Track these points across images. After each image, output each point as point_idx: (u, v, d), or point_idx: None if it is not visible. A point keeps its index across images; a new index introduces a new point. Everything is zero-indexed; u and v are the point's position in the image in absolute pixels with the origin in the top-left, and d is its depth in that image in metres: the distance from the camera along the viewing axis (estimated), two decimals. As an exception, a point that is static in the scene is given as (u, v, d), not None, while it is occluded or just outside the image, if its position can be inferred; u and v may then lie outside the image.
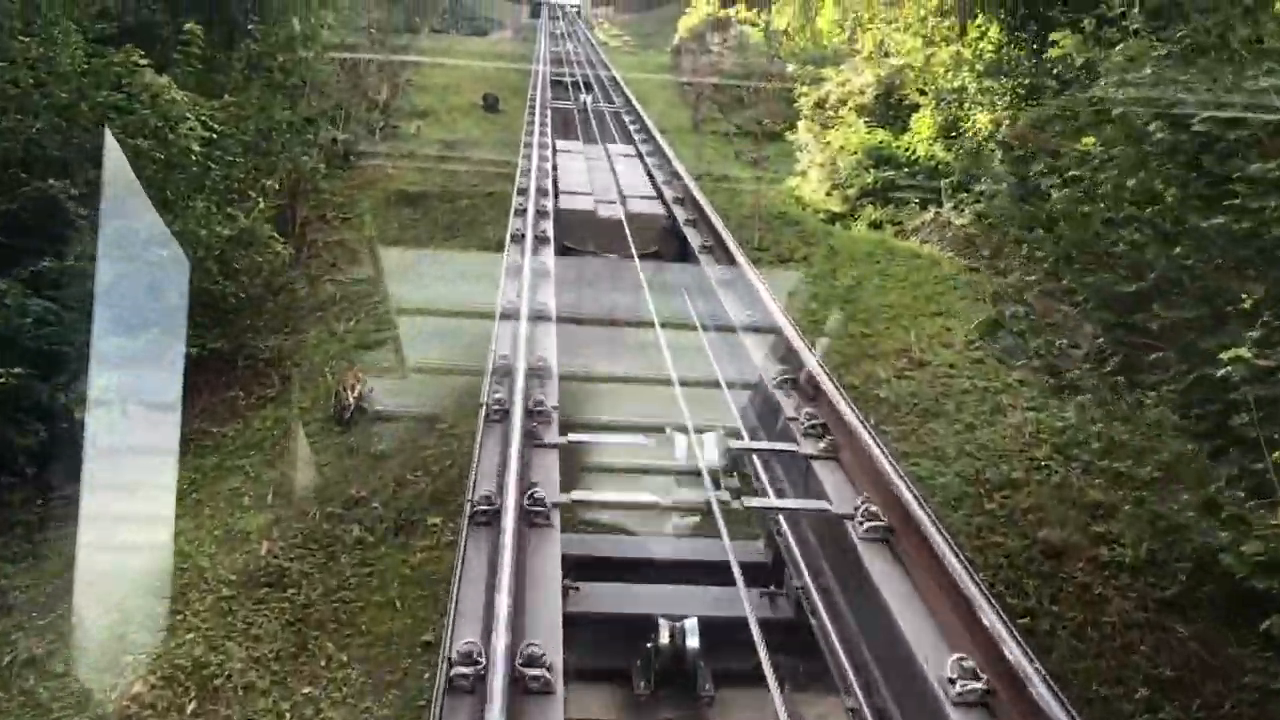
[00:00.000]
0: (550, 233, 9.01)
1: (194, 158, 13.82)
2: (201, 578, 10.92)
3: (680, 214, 11.21)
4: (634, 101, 25.47)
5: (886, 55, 22.22)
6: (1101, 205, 7.16)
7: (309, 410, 13.82)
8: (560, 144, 16.59)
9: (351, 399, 13.20)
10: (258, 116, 16.57)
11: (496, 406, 4.40)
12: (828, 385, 4.56)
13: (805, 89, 27.24)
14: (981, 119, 19.36)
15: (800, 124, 26.06)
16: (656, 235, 8.37)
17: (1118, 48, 7.59)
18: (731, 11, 36.12)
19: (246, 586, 10.79)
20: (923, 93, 20.61)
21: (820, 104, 25.53)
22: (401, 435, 12.97)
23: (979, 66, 18.11)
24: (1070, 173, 8.99)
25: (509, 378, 4.74)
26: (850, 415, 4.22)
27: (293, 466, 12.77)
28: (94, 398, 12.31)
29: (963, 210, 17.50)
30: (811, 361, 4.83)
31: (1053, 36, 8.20)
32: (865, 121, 23.53)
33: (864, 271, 16.30)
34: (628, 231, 7.52)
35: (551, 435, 4.33)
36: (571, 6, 54.36)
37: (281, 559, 11.20)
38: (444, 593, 10.56)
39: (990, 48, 17.97)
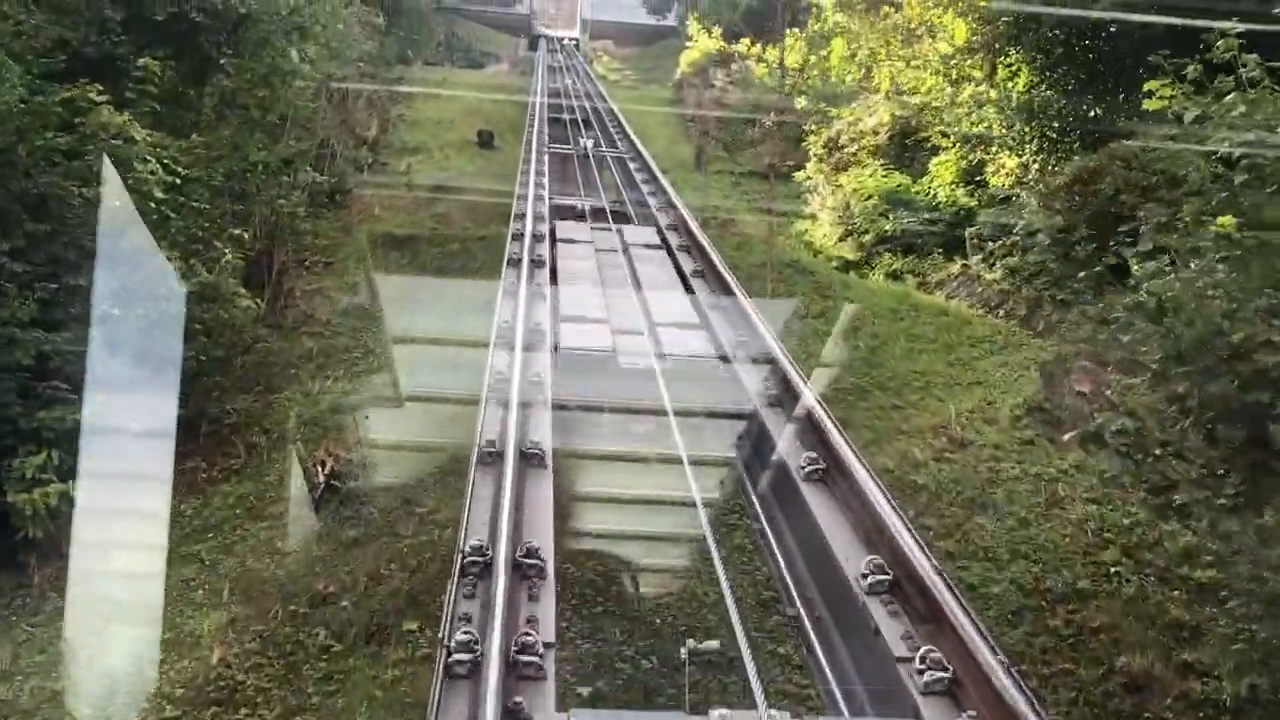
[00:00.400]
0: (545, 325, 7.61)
1: (153, 205, 12.45)
2: (142, 692, 9.47)
3: (705, 295, 9.97)
4: (635, 140, 24.20)
5: (901, 94, 20.97)
6: (1219, 294, 5.82)
7: (275, 487, 12.39)
8: (559, 222, 14.41)
9: (322, 477, 11.79)
10: (231, 157, 15.27)
11: (462, 654, 2.91)
12: (950, 601, 3.09)
13: (814, 128, 26.06)
14: (1009, 163, 18.13)
15: (809, 164, 24.84)
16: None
17: (1229, 98, 6.29)
18: (738, 46, 34.98)
19: (193, 706, 9.33)
20: (945, 135, 19.34)
21: (831, 144, 24.32)
22: (377, 520, 11.55)
23: (1009, 108, 16.84)
24: (1155, 242, 7.65)
25: (485, 583, 3.25)
26: (1000, 670, 2.78)
27: (254, 555, 11.33)
28: (30, 477, 10.92)
29: (993, 264, 16.17)
30: (917, 553, 3.38)
31: (1149, 86, 6.90)
32: (880, 163, 22.29)
33: (888, 330, 14.95)
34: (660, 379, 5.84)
35: (544, 713, 2.83)
36: (570, 40, 53.35)
37: (235, 669, 9.73)
38: (419, 721, 9.13)
39: (1021, 88, 16.70)
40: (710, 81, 33.55)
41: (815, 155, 24.63)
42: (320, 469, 11.79)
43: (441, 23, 43.00)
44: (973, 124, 17.89)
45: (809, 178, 24.33)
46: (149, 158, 12.66)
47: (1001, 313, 15.19)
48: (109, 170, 11.80)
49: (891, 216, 19.95)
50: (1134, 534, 9.65)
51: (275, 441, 13.69)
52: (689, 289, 10.90)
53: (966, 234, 18.17)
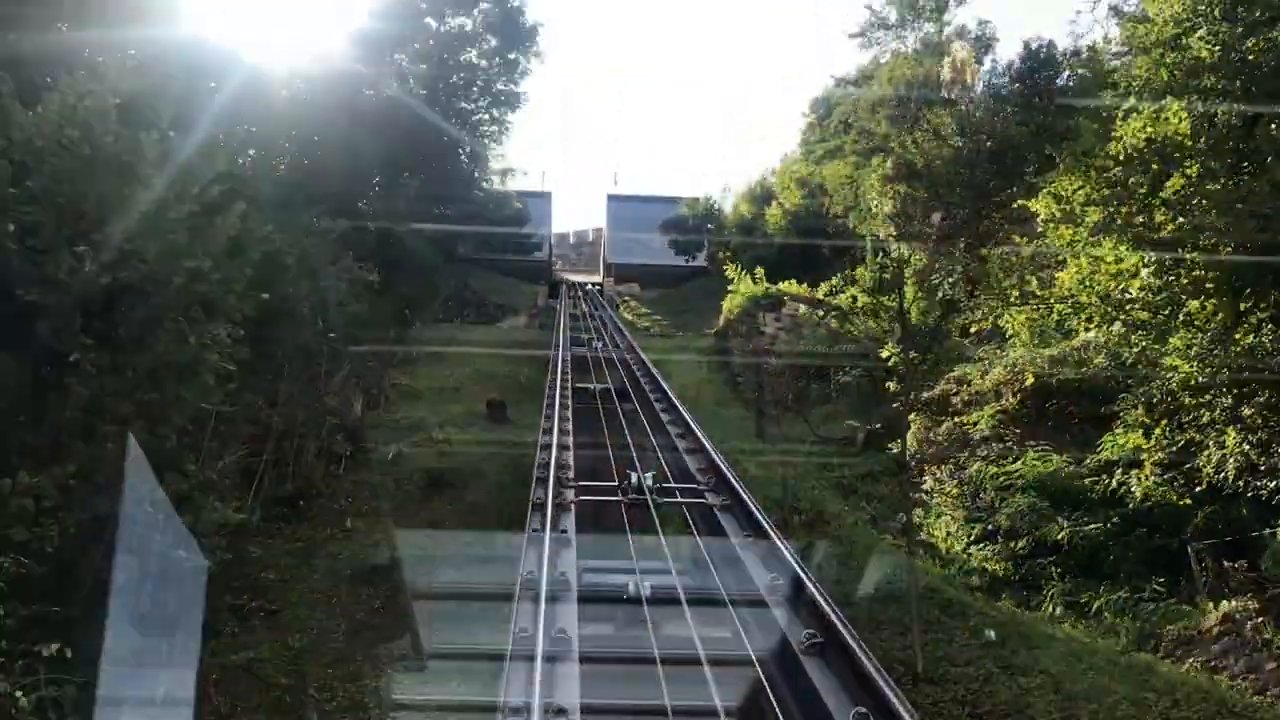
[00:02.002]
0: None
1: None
2: None
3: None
4: (679, 406, 19.09)
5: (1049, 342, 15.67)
6: None
7: None
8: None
9: None
10: (98, 498, 9.95)
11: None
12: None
13: (898, 385, 20.89)
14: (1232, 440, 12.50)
15: (909, 433, 19.36)
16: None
17: None
18: (787, 287, 30.37)
19: None
20: (1136, 404, 13.84)
21: (938, 405, 18.95)
22: None
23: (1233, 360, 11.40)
24: None
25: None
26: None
27: None
28: None
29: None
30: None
31: None
32: (1013, 432, 16.81)
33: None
34: None
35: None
36: (593, 285, 49.61)
37: None
38: None
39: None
40: (760, 328, 28.73)
41: (914, 421, 19.17)
42: None
43: (452, 275, 38.96)
44: (1184, 383, 12.35)
45: (913, 453, 18.77)
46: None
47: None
48: None
49: (1057, 519, 14.21)
50: None
51: None
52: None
53: (1190, 549, 12.39)
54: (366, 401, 23.02)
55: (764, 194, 45.57)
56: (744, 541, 10.46)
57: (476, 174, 45.32)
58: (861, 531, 16.75)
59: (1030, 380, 16.07)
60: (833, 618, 7.62)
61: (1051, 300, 15.46)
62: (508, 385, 25.92)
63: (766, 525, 10.42)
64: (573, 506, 12.19)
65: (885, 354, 22.39)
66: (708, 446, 15.48)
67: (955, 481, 16.86)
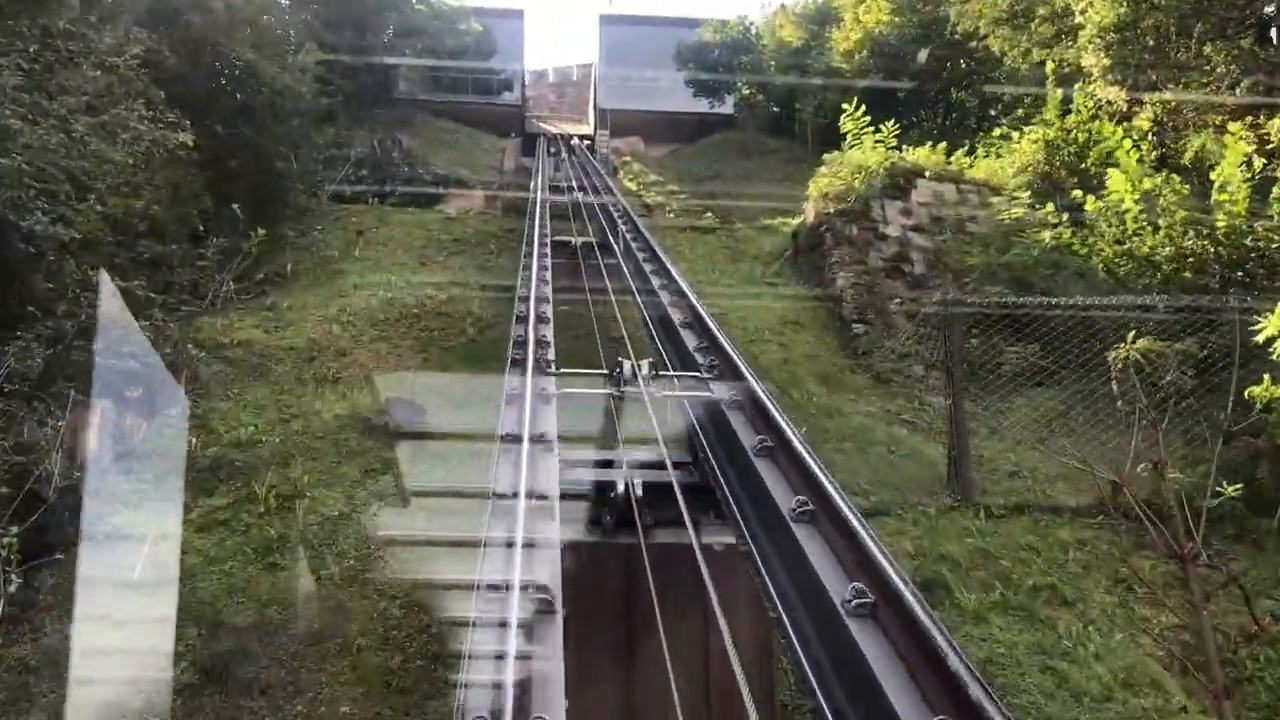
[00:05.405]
0: None
1: None
2: None
3: None
4: (768, 404, 7.23)
5: None
6: None
7: None
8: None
9: None
10: None
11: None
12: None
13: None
14: None
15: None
16: None
17: None
18: (922, 155, 17.99)
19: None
20: None
21: None
22: None
23: None
24: None
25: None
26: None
27: None
28: None
29: None
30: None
31: None
32: None
33: None
34: None
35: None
36: (580, 139, 36.90)
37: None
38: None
39: None
40: (879, 229, 16.59)
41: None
42: None
43: (374, 126, 26.36)
44: None
45: None
46: None
47: None
48: None
49: None
50: None
51: None
52: None
53: None
54: (147, 405, 11.10)
55: (821, 14, 32.58)
56: None
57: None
58: None
59: None
60: None
61: None
62: (434, 344, 13.95)
63: None
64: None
65: (1269, 329, 10.51)
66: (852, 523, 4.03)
67: None
